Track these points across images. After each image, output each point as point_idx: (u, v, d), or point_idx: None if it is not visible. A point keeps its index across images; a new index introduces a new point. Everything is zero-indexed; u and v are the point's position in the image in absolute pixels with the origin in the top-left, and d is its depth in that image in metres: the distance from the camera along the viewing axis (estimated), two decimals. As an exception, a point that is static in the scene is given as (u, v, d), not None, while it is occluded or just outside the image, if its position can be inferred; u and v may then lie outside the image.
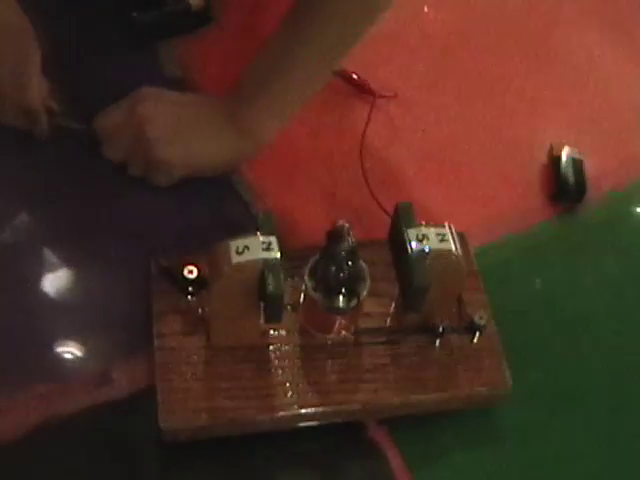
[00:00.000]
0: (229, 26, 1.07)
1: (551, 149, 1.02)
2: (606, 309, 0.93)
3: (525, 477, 0.81)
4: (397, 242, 0.76)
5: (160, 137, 0.87)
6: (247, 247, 0.72)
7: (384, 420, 0.81)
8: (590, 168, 1.01)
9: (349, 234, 0.72)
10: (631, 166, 1.05)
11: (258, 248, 0.72)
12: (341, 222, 0.72)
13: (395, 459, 0.79)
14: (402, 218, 0.76)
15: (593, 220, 0.99)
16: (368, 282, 0.76)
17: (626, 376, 0.88)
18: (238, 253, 0.71)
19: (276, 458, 0.78)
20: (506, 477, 0.80)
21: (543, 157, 1.02)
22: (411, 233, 0.75)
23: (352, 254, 0.73)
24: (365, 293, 0.76)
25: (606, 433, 0.84)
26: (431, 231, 0.75)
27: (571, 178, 0.99)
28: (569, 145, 1.01)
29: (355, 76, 1.03)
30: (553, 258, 0.96)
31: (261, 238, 0.72)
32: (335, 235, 0.72)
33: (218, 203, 0.93)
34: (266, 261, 0.71)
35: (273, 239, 0.73)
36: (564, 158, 1.00)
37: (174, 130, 0.87)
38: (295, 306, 0.80)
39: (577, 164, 1.00)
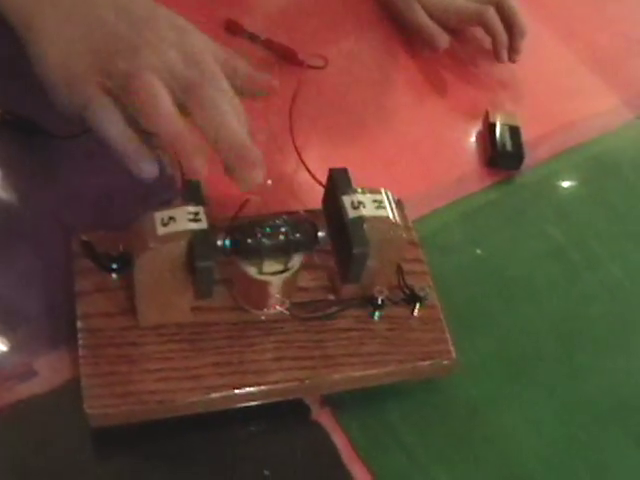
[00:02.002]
0: None
1: (487, 116, 1.00)
2: (550, 275, 0.91)
3: (476, 451, 0.78)
4: (332, 210, 0.73)
5: None
6: (173, 218, 0.67)
7: (327, 401, 0.77)
8: (527, 134, 0.99)
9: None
10: (568, 131, 1.04)
11: (185, 219, 0.68)
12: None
13: (341, 441, 0.76)
14: (336, 184, 0.72)
15: (532, 186, 0.98)
16: (301, 252, 0.72)
17: (574, 342, 0.86)
18: (163, 225, 0.67)
19: (214, 443, 0.74)
20: (458, 452, 0.78)
21: (479, 124, 1.00)
22: (346, 200, 0.71)
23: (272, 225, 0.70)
24: (300, 258, 0.72)
25: (558, 401, 0.82)
26: (367, 197, 0.72)
27: (508, 145, 0.97)
28: (505, 111, 1.00)
29: (282, 46, 0.99)
30: (494, 225, 0.94)
31: (188, 208, 0.68)
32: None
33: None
34: (194, 232, 0.67)
35: (200, 209, 0.68)
36: (500, 125, 0.98)
37: None
38: (228, 281, 0.76)
39: (514, 131, 0.98)
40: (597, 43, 1.15)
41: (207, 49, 0.77)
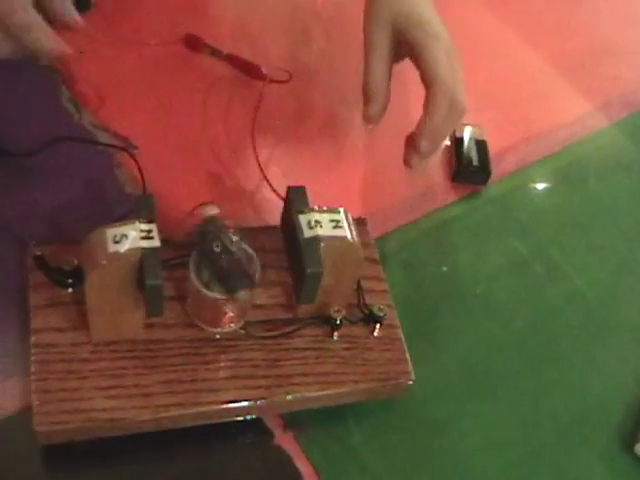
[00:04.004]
0: (107, 11, 1.02)
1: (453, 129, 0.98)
2: (515, 290, 0.90)
3: (441, 472, 0.77)
4: (289, 228, 0.72)
5: None
6: (125, 235, 0.66)
7: (290, 425, 0.76)
8: (494, 145, 0.99)
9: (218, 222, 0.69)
10: (535, 142, 1.03)
11: (137, 236, 0.66)
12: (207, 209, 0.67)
13: (304, 466, 0.75)
14: (293, 202, 0.71)
15: (498, 200, 0.97)
16: (257, 269, 0.71)
17: (539, 359, 0.86)
18: (115, 242, 0.66)
19: (172, 467, 0.73)
20: (421, 475, 0.77)
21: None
22: (302, 219, 0.70)
23: (231, 240, 0.69)
24: (257, 282, 0.71)
25: (522, 420, 0.81)
26: (324, 217, 0.71)
27: (475, 160, 0.96)
28: (472, 124, 0.99)
29: (245, 61, 0.98)
30: (459, 241, 0.93)
31: (140, 225, 0.67)
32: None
33: (96, 188, 0.87)
34: (145, 250, 0.66)
35: (153, 226, 0.67)
36: (467, 139, 0.97)
37: None
38: (182, 298, 0.75)
39: (481, 145, 0.97)
40: (563, 50, 1.15)
41: None
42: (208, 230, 0.70)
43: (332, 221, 0.71)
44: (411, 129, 0.94)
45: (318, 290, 0.71)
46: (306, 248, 0.69)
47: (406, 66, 0.86)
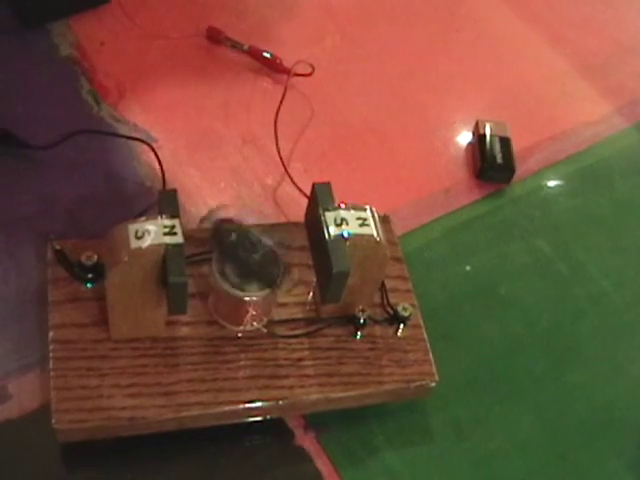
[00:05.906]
0: (128, 3, 1.00)
1: (477, 127, 0.97)
2: (540, 291, 0.89)
3: (464, 474, 0.76)
4: (314, 226, 0.71)
5: None
6: (147, 231, 0.65)
7: (311, 425, 0.75)
8: (517, 144, 0.97)
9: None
10: (559, 141, 1.02)
11: (159, 232, 0.65)
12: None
13: (325, 467, 0.74)
14: (319, 199, 0.70)
15: (522, 199, 0.96)
16: (282, 268, 0.70)
17: (563, 361, 0.84)
18: (137, 237, 0.65)
19: (193, 467, 0.72)
20: (444, 476, 0.75)
21: (469, 135, 0.98)
22: (329, 216, 0.69)
23: (252, 239, 0.68)
24: (281, 280, 0.70)
25: (547, 423, 0.80)
26: (351, 214, 0.69)
27: (499, 157, 0.94)
28: (495, 122, 0.98)
29: (267, 54, 0.97)
30: (482, 240, 0.92)
31: (163, 221, 0.66)
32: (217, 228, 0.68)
33: (116, 182, 0.86)
34: (168, 246, 0.65)
35: (177, 222, 0.66)
36: (490, 136, 0.96)
37: None
38: (204, 295, 0.74)
39: (505, 142, 0.96)
40: (587, 48, 1.13)
41: None
42: (225, 229, 0.69)
43: (359, 219, 0.69)
44: (434, 124, 0.94)
45: (343, 290, 0.69)
46: (332, 247, 0.67)
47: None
